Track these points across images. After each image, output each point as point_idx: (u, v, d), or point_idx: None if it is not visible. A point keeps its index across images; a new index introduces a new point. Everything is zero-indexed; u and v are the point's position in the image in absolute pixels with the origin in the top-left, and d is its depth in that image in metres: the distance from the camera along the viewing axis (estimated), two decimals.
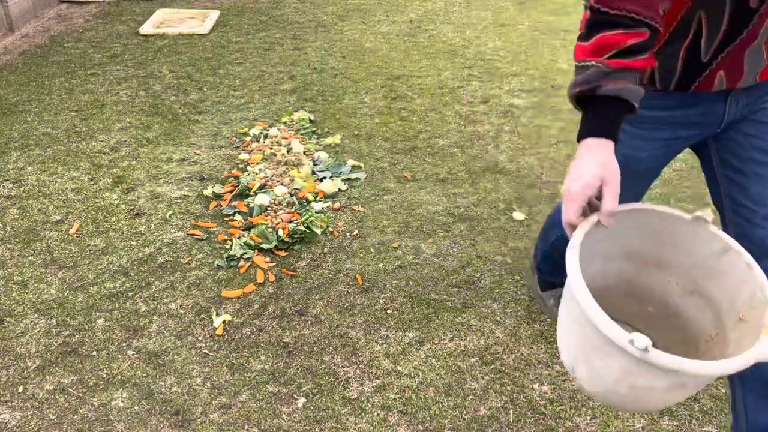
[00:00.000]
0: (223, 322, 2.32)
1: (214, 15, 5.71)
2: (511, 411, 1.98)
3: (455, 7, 6.06)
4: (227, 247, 2.71)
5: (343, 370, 2.13)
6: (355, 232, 2.82)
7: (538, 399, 2.02)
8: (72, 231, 2.83)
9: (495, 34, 5.28)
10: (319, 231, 2.78)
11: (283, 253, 2.69)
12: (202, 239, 2.78)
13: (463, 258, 2.65)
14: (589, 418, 1.96)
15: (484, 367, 2.14)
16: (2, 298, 2.46)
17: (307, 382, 2.08)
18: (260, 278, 2.54)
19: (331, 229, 2.83)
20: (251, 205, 2.93)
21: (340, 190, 3.12)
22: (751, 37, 1.31)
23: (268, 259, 2.65)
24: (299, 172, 3.19)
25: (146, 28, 5.36)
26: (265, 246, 2.69)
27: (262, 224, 2.78)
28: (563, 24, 5.54)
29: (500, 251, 2.69)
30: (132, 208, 3.00)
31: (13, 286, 2.52)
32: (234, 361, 2.16)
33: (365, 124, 3.79)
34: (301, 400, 2.02)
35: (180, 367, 2.14)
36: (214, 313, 2.37)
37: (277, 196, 2.97)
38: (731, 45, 1.32)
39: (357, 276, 2.55)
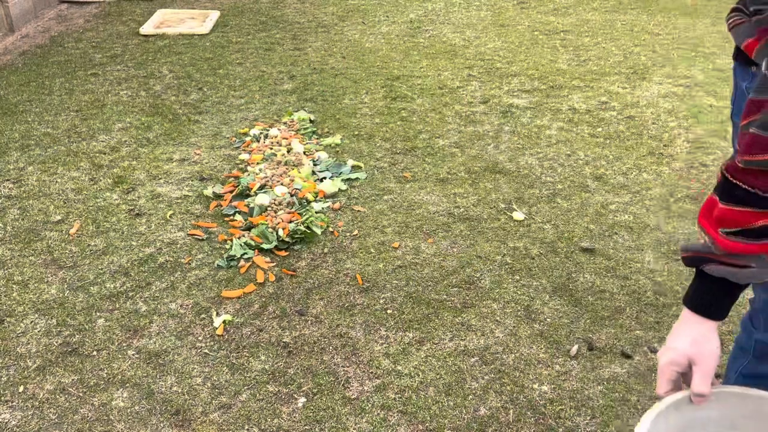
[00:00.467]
0: (224, 322, 2.32)
1: (214, 15, 5.71)
2: (511, 411, 1.98)
3: (455, 7, 6.07)
4: (227, 247, 2.71)
5: (343, 370, 2.13)
6: (355, 232, 2.82)
7: (538, 399, 2.02)
8: (72, 231, 2.83)
9: (495, 34, 5.28)
10: (319, 231, 2.78)
11: (283, 253, 2.69)
12: (203, 239, 2.78)
13: (463, 258, 2.65)
14: (589, 418, 1.96)
15: (484, 367, 2.14)
16: (2, 298, 2.46)
17: (307, 382, 2.09)
18: (260, 278, 2.54)
19: (331, 229, 2.83)
20: (251, 205, 2.93)
21: (340, 190, 3.12)
22: None
23: (268, 259, 2.65)
24: (299, 172, 3.19)
25: (146, 29, 5.36)
26: (265, 246, 2.70)
27: (263, 224, 2.78)
28: (563, 24, 5.54)
29: (500, 251, 2.69)
30: (132, 208, 3.01)
31: (14, 286, 2.52)
32: (234, 361, 2.17)
33: (365, 124, 3.79)
34: (301, 400, 2.02)
35: (180, 367, 2.15)
36: (215, 313, 2.37)
37: (278, 196, 2.97)
38: None
39: (357, 276, 2.55)
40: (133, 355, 2.20)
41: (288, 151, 3.40)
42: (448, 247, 2.72)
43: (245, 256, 2.65)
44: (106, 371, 2.13)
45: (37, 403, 2.02)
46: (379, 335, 2.27)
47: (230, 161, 3.39)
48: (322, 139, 3.58)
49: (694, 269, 1.05)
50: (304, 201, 2.98)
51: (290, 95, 4.17)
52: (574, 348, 2.20)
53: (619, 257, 2.65)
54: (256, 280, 2.54)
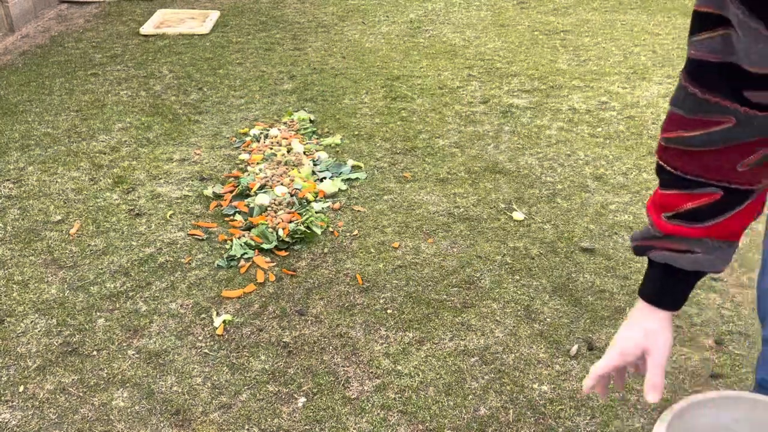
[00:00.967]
0: (224, 321, 2.32)
1: (214, 15, 5.71)
2: (511, 411, 1.98)
3: (455, 7, 6.07)
4: (227, 247, 2.71)
5: (343, 370, 2.13)
6: (355, 232, 2.83)
7: (537, 399, 2.02)
8: (72, 231, 2.83)
9: (495, 34, 5.28)
10: (319, 231, 2.78)
11: (283, 253, 2.69)
12: (203, 239, 2.78)
13: (463, 258, 2.65)
14: (588, 417, 1.96)
15: (484, 366, 2.14)
16: (3, 298, 2.46)
17: (307, 382, 2.09)
18: (260, 278, 2.54)
19: (331, 229, 2.84)
20: (251, 205, 2.93)
21: (340, 190, 3.12)
22: None
23: (268, 259, 2.65)
24: (299, 172, 3.19)
25: (146, 29, 5.36)
26: (265, 246, 2.70)
27: (263, 224, 2.78)
28: (563, 24, 5.54)
29: (500, 251, 2.69)
30: (132, 208, 3.01)
31: (14, 285, 2.53)
32: (234, 361, 2.17)
33: (365, 124, 3.79)
34: (301, 400, 2.02)
35: (180, 367, 2.15)
36: (215, 312, 2.37)
37: (278, 196, 2.97)
38: None
39: (357, 276, 2.55)
40: (133, 355, 2.20)
41: (288, 151, 3.40)
42: (448, 247, 2.72)
43: (245, 256, 2.65)
44: (106, 371, 2.13)
45: (37, 403, 2.02)
46: (379, 335, 2.27)
47: (230, 161, 3.39)
48: (322, 139, 3.59)
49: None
50: (304, 201, 2.98)
51: (290, 95, 4.17)
52: (574, 348, 2.20)
53: (619, 257, 2.65)
54: (256, 280, 2.54)
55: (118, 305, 2.42)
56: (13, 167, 3.34)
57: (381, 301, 2.43)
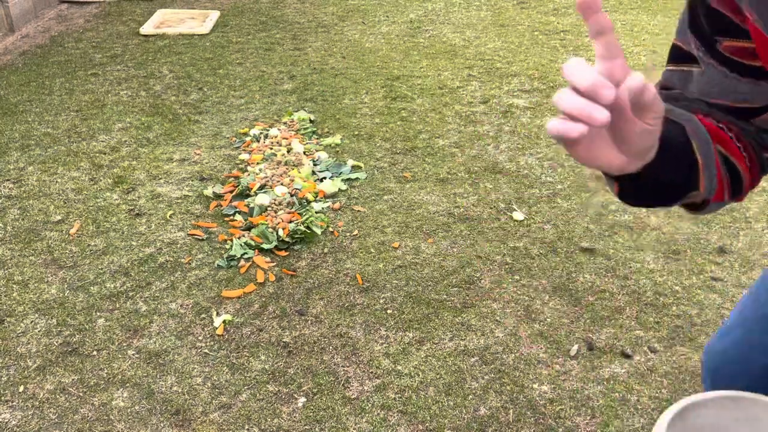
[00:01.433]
0: (224, 321, 2.32)
1: (214, 15, 5.71)
2: (511, 411, 1.98)
3: (455, 7, 6.06)
4: (227, 247, 2.71)
5: (343, 370, 2.13)
6: (355, 232, 2.83)
7: (537, 399, 2.02)
8: (72, 231, 2.83)
9: (495, 34, 5.28)
10: (319, 231, 2.78)
11: (283, 253, 2.69)
12: (203, 239, 2.78)
13: (463, 258, 2.65)
14: (588, 417, 1.96)
15: (484, 366, 2.14)
16: (3, 298, 2.46)
17: (307, 382, 2.09)
18: (260, 278, 2.54)
19: (331, 229, 2.84)
20: (251, 205, 2.93)
21: (340, 190, 3.12)
22: None
23: (268, 259, 2.65)
24: (299, 172, 3.19)
25: (146, 29, 5.36)
26: (265, 246, 2.70)
27: (263, 224, 2.78)
28: (563, 24, 5.54)
29: (500, 251, 2.69)
30: (132, 208, 3.01)
31: (14, 285, 2.53)
32: (234, 361, 2.17)
33: (365, 124, 3.79)
34: (301, 400, 2.02)
35: (180, 367, 2.15)
36: (215, 312, 2.37)
37: (278, 196, 2.97)
38: None
39: (357, 276, 2.55)
40: (133, 355, 2.20)
41: (288, 151, 3.40)
42: (448, 247, 2.72)
43: (245, 256, 2.65)
44: (106, 371, 2.13)
45: (37, 403, 2.02)
46: (379, 335, 2.27)
47: (230, 161, 3.39)
48: (322, 139, 3.59)
49: None
50: (304, 201, 2.98)
51: (290, 95, 4.17)
52: (574, 348, 2.20)
53: (619, 257, 2.65)
54: (256, 280, 2.54)
55: (118, 305, 2.42)
56: (13, 167, 3.34)
57: (381, 301, 2.43)
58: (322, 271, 2.59)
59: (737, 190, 0.87)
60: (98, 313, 2.38)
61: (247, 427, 1.94)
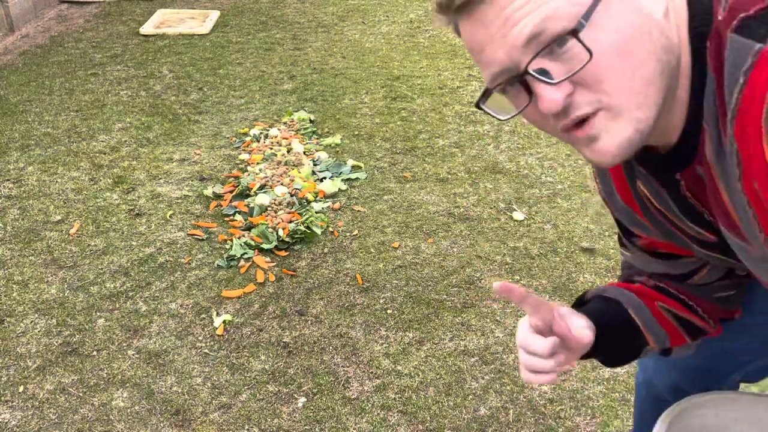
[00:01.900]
0: (224, 322, 2.32)
1: (214, 15, 5.71)
2: (511, 411, 1.98)
3: None
4: (227, 247, 2.71)
5: (343, 370, 2.13)
6: (355, 232, 2.82)
7: (537, 399, 2.02)
8: (72, 231, 2.83)
9: None
10: (319, 231, 2.78)
11: (283, 253, 2.69)
12: (203, 239, 2.78)
13: (463, 258, 2.65)
14: (588, 417, 1.96)
15: (484, 367, 2.14)
16: (3, 298, 2.46)
17: (307, 382, 2.09)
18: (260, 278, 2.54)
19: (331, 229, 2.83)
20: (251, 205, 2.93)
21: (340, 190, 3.12)
22: None
23: (268, 259, 2.65)
24: (299, 172, 3.19)
25: (146, 29, 5.36)
26: (265, 246, 2.70)
27: (263, 224, 2.78)
28: None
29: (500, 251, 2.69)
30: (132, 208, 3.01)
31: (14, 286, 2.52)
32: (234, 361, 2.17)
33: (365, 124, 3.79)
34: (301, 400, 2.02)
35: (180, 367, 2.15)
36: (215, 313, 2.37)
37: (278, 196, 2.97)
38: None
39: (357, 276, 2.55)
40: (133, 355, 2.20)
41: (288, 151, 3.40)
42: (448, 247, 2.72)
43: (245, 256, 2.65)
44: (106, 371, 2.13)
45: (37, 403, 2.02)
46: (379, 335, 2.27)
47: (230, 161, 3.39)
48: (322, 139, 3.58)
49: None
50: (304, 201, 2.98)
51: (290, 95, 4.17)
52: None
53: (619, 257, 2.65)
54: (256, 280, 2.54)
55: (118, 305, 2.42)
56: (13, 167, 3.34)
57: (381, 301, 2.43)
58: (322, 271, 2.59)
59: (695, 332, 1.04)
60: (98, 313, 2.38)
61: (247, 427, 1.94)
